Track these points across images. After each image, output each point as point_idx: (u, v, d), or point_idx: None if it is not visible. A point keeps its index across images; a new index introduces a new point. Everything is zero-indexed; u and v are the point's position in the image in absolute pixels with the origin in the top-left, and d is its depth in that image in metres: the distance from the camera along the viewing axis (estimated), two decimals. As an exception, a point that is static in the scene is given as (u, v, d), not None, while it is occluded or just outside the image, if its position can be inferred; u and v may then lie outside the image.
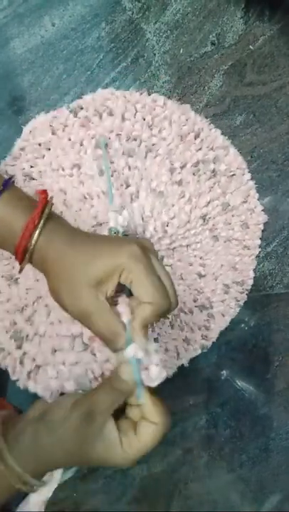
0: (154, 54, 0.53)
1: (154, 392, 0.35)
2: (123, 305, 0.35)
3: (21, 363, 0.46)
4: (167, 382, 0.55)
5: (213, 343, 0.55)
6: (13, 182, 0.38)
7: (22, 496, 0.48)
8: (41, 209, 0.35)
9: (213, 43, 0.55)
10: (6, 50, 0.50)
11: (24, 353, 0.46)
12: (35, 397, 0.51)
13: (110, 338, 0.34)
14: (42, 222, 0.35)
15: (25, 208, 0.35)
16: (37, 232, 0.35)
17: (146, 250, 0.35)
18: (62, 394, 0.44)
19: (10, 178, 0.37)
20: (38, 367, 0.46)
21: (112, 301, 0.35)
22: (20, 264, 0.36)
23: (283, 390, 0.58)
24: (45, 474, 0.37)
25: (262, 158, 0.56)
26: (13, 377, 0.46)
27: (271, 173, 0.56)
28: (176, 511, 0.56)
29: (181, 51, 0.54)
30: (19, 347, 0.46)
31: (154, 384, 0.35)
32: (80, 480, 0.54)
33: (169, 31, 0.54)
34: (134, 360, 0.33)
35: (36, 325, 0.46)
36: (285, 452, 0.59)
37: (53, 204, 0.37)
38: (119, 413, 0.36)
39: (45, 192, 0.37)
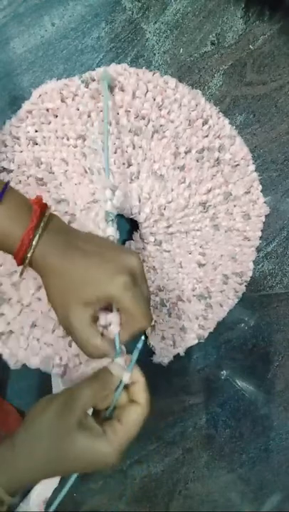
0: (154, 54, 0.53)
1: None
2: (114, 316, 0.38)
3: None
4: (167, 382, 0.55)
5: (213, 343, 0.55)
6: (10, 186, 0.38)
7: (22, 495, 0.48)
8: (36, 222, 0.36)
9: (213, 43, 0.55)
10: (6, 50, 0.50)
11: (1, 314, 0.46)
12: (35, 398, 0.51)
13: (90, 354, 0.37)
14: (37, 236, 0.35)
15: (22, 218, 0.36)
16: (33, 244, 0.35)
17: (137, 275, 0.37)
18: (24, 366, 0.45)
19: (7, 184, 0.36)
20: (11, 332, 0.46)
21: (98, 313, 0.38)
22: (18, 265, 0.37)
23: (283, 390, 0.58)
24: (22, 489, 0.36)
25: (262, 158, 0.56)
26: None
27: (271, 173, 0.56)
28: (176, 511, 0.56)
29: (181, 51, 0.54)
30: None
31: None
32: (80, 480, 0.54)
33: (169, 31, 0.54)
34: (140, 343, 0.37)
35: (21, 293, 0.46)
36: (285, 452, 0.59)
37: (50, 214, 0.38)
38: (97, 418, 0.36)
39: (40, 201, 0.38)
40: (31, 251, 0.36)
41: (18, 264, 0.37)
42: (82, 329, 0.36)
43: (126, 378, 0.36)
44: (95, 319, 0.38)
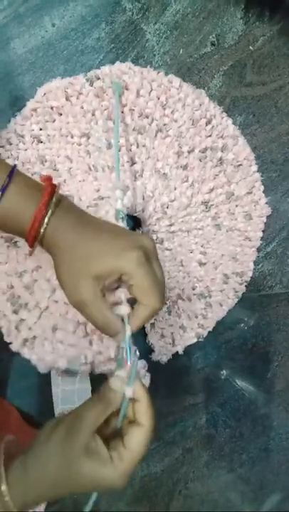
0: (154, 54, 0.53)
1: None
2: (122, 295, 0.37)
3: (17, 328, 0.46)
4: (167, 382, 0.55)
5: (213, 343, 0.55)
6: (17, 169, 0.37)
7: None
8: (48, 198, 0.36)
9: (213, 44, 0.55)
10: (6, 50, 0.50)
11: (21, 320, 0.46)
12: (35, 398, 0.51)
13: (103, 328, 0.36)
14: (50, 211, 0.35)
15: (33, 196, 0.36)
16: (45, 221, 0.35)
17: (149, 253, 0.36)
18: (23, 366, 0.45)
19: (14, 167, 0.36)
20: (34, 337, 0.46)
21: (110, 289, 0.37)
22: (30, 246, 0.37)
23: (283, 390, 0.58)
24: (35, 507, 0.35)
25: (262, 158, 0.56)
26: (6, 339, 0.47)
27: (271, 173, 0.56)
28: (176, 511, 0.56)
29: (181, 52, 0.54)
30: (16, 312, 0.46)
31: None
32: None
33: (168, 32, 0.54)
34: (128, 347, 0.35)
35: (37, 297, 0.47)
36: (285, 452, 0.59)
37: (59, 191, 0.37)
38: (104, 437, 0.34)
39: (49, 178, 0.37)
40: (44, 226, 0.35)
41: (30, 244, 0.37)
42: (94, 302, 0.35)
43: (129, 393, 0.34)
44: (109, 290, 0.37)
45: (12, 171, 0.35)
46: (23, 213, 0.35)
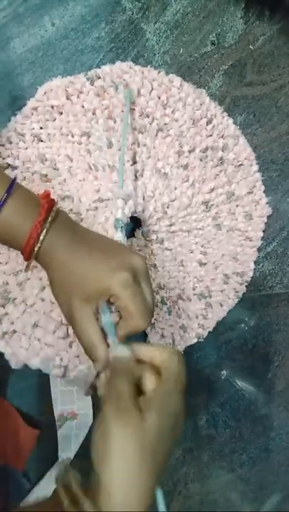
0: (154, 54, 0.53)
1: None
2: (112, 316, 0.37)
3: (0, 321, 0.46)
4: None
5: (213, 343, 0.55)
6: (17, 183, 0.38)
7: (24, 492, 0.48)
8: (44, 216, 0.36)
9: (213, 43, 0.55)
10: (5, 50, 0.50)
11: (6, 314, 0.46)
12: (35, 398, 0.51)
13: (87, 347, 0.37)
14: (45, 230, 0.36)
15: (30, 213, 0.36)
16: (40, 239, 0.36)
17: (138, 273, 0.37)
18: (25, 366, 0.45)
19: (13, 181, 0.37)
20: (14, 331, 0.46)
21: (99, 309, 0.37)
22: (25, 260, 0.38)
23: (283, 390, 0.58)
24: None
25: (262, 158, 0.56)
26: None
27: (271, 173, 0.56)
28: (176, 511, 0.56)
29: (181, 51, 0.54)
30: (2, 306, 0.46)
31: None
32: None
33: (169, 31, 0.54)
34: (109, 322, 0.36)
35: (26, 293, 0.47)
36: (285, 452, 0.59)
37: (57, 209, 0.38)
38: None
39: (48, 196, 0.38)
40: (38, 245, 0.36)
41: (25, 259, 0.37)
42: (83, 323, 0.36)
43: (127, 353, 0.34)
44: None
45: (11, 186, 0.36)
46: (20, 229, 0.36)
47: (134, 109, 0.50)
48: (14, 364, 0.45)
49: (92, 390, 0.43)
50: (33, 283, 0.47)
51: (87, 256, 0.37)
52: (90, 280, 0.36)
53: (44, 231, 0.36)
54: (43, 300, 0.47)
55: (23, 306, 0.46)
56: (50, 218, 0.36)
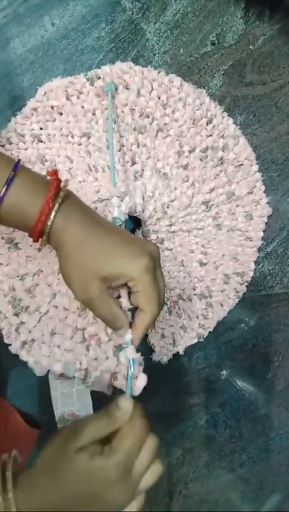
0: (154, 54, 0.53)
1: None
2: (124, 294, 0.38)
3: (17, 330, 0.46)
4: (167, 382, 0.55)
5: (213, 343, 0.55)
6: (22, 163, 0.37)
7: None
8: (55, 191, 0.35)
9: (213, 43, 0.55)
10: (6, 50, 0.50)
11: (21, 323, 0.46)
12: (35, 398, 0.51)
13: (111, 320, 0.37)
14: (57, 205, 0.35)
15: (39, 190, 0.35)
16: (53, 214, 0.34)
17: (155, 260, 0.37)
18: (24, 366, 0.46)
19: (18, 161, 0.36)
20: (32, 340, 0.46)
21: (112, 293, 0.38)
22: (34, 241, 0.37)
23: (283, 390, 0.58)
24: None
25: (262, 158, 0.56)
26: (6, 341, 0.47)
27: (271, 173, 0.56)
28: (176, 511, 0.56)
29: (181, 51, 0.54)
30: (16, 315, 0.46)
31: (138, 393, 0.38)
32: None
33: (169, 31, 0.54)
34: (132, 361, 0.38)
35: (38, 301, 0.47)
36: (285, 452, 0.59)
37: (66, 186, 0.37)
38: None
39: (55, 173, 0.37)
40: (51, 220, 0.34)
41: (35, 238, 0.36)
42: (101, 298, 0.36)
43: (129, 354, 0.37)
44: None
45: (16, 165, 0.35)
46: (29, 207, 0.34)
47: (134, 109, 0.50)
48: (38, 372, 0.46)
49: (112, 387, 0.44)
50: (42, 290, 0.47)
51: (107, 236, 0.36)
52: (111, 261, 0.35)
53: (56, 205, 0.34)
54: (56, 307, 0.47)
55: (38, 315, 0.46)
56: (61, 193, 0.35)
